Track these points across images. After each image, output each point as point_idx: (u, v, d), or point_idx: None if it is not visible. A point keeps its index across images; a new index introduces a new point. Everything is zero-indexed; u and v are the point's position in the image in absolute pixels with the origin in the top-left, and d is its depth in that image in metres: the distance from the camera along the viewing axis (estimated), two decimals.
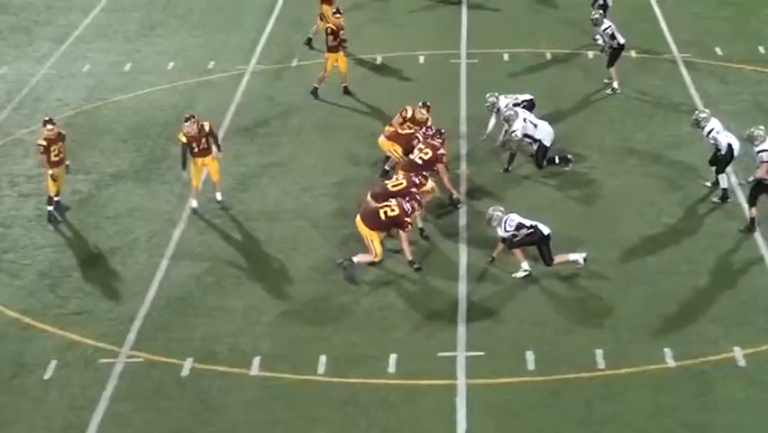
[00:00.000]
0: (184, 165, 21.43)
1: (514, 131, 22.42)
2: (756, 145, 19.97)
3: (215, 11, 32.26)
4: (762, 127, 20.13)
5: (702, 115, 21.25)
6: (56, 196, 21.41)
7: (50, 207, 21.41)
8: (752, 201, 20.19)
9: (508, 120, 22.53)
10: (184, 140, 21.25)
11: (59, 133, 21.27)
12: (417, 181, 19.96)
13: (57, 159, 21.18)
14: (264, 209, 21.63)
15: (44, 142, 21.09)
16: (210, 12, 32.22)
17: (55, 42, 30.32)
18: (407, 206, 19.37)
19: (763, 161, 19.85)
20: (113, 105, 26.55)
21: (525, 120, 22.41)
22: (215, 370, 17.26)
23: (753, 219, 20.20)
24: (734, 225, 20.47)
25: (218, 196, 21.80)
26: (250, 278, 19.60)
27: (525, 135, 22.43)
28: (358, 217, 19.50)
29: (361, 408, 16.36)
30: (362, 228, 19.39)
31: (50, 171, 21.13)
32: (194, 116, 21.38)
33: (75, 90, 27.33)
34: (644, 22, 29.83)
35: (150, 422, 16.26)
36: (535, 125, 22.49)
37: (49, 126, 21.18)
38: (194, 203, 21.65)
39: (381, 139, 22.15)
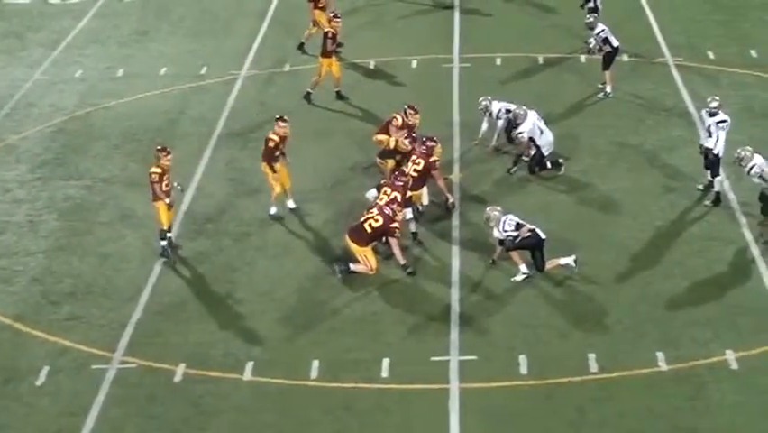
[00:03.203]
0: (273, 168, 21.06)
1: (521, 132, 22.37)
2: (745, 166, 20.08)
3: (208, 16, 32.23)
4: (749, 148, 20.21)
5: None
6: (169, 231, 20.24)
7: (164, 242, 20.21)
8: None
9: (517, 118, 22.46)
10: (277, 139, 21.03)
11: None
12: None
13: (168, 188, 20.04)
14: (257, 215, 21.61)
15: (158, 170, 19.86)
16: (203, 17, 32.20)
17: (47, 48, 30.29)
18: (388, 210, 19.34)
19: (759, 175, 20.00)
20: (105, 110, 26.52)
21: (533, 123, 22.39)
22: (208, 375, 17.25)
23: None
24: (726, 229, 20.52)
25: (291, 203, 21.58)
26: (242, 283, 19.58)
27: (530, 139, 22.41)
28: (346, 237, 19.48)
29: (354, 412, 16.36)
30: (353, 247, 19.33)
31: (167, 201, 19.98)
32: (287, 119, 21.32)
33: (67, 96, 27.29)
34: (637, 25, 29.83)
35: (143, 428, 16.25)
36: (542, 132, 22.48)
37: (168, 155, 19.98)
38: (277, 207, 21.48)
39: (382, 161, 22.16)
